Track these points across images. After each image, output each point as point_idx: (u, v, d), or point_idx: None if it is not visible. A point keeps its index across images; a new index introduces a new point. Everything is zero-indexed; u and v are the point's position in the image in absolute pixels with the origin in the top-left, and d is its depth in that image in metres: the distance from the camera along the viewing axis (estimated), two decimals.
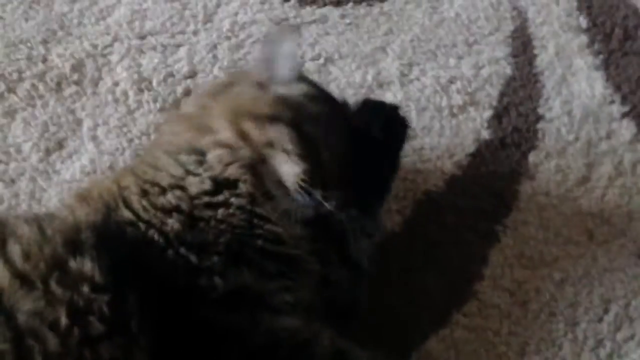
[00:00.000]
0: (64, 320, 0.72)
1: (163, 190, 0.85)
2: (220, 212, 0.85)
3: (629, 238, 1.13)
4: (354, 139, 0.95)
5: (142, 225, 0.82)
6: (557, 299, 1.06)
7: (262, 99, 0.93)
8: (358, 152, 0.94)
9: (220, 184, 0.87)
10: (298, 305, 0.84)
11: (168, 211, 0.83)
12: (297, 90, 0.95)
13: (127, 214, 0.83)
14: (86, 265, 0.76)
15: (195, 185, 0.86)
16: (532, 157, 1.21)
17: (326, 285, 0.90)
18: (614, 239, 1.12)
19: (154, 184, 0.86)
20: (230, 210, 0.85)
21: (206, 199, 0.85)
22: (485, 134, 1.24)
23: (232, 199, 0.86)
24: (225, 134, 0.90)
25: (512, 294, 1.06)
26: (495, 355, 1.00)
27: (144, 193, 0.85)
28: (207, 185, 0.87)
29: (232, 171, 0.89)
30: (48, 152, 1.13)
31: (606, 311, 1.05)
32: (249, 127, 0.90)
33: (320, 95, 0.98)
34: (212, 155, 0.89)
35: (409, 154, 1.20)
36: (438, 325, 1.02)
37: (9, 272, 0.74)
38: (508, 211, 1.15)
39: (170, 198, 0.84)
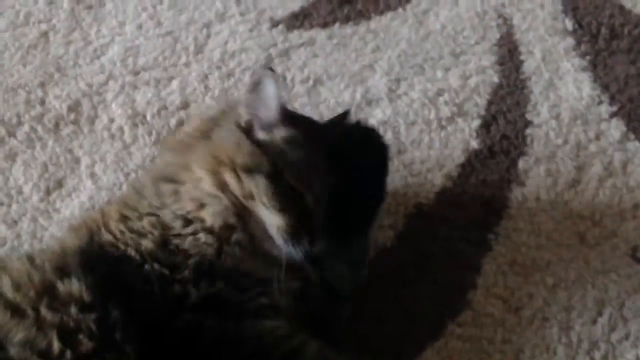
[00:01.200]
0: (55, 345, 0.76)
1: (140, 217, 0.91)
2: (189, 241, 0.89)
3: (620, 238, 1.13)
4: (338, 168, 0.94)
5: (121, 245, 0.88)
6: (550, 303, 1.06)
7: (243, 147, 0.92)
8: (342, 182, 0.93)
9: (190, 220, 0.91)
10: (276, 308, 0.88)
11: (142, 235, 0.89)
12: (279, 135, 0.93)
13: (107, 236, 0.89)
14: (74, 285, 0.81)
15: (168, 217, 0.91)
16: (521, 164, 1.22)
17: (303, 298, 0.92)
18: (606, 240, 1.12)
19: (134, 209, 0.92)
20: (201, 240, 0.90)
21: (176, 230, 0.90)
22: (474, 144, 1.25)
23: (201, 235, 0.90)
24: (205, 181, 0.92)
25: (505, 301, 1.07)
26: None
27: (123, 218, 0.91)
28: (179, 221, 0.91)
29: (206, 215, 0.91)
30: (48, 191, 1.17)
31: (600, 313, 1.05)
32: (228, 177, 0.91)
33: (303, 137, 0.94)
34: (185, 191, 0.93)
35: (399, 169, 1.22)
36: (433, 337, 1.03)
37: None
38: (499, 219, 1.15)
39: (145, 224, 0.90)
